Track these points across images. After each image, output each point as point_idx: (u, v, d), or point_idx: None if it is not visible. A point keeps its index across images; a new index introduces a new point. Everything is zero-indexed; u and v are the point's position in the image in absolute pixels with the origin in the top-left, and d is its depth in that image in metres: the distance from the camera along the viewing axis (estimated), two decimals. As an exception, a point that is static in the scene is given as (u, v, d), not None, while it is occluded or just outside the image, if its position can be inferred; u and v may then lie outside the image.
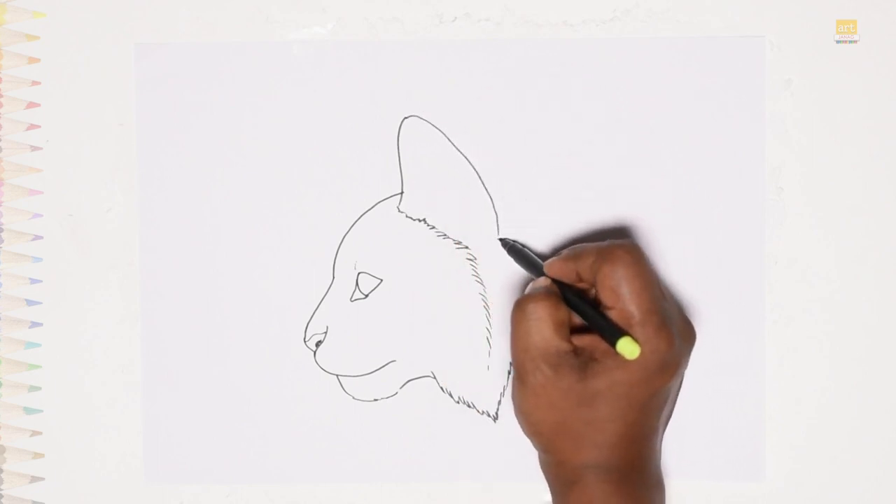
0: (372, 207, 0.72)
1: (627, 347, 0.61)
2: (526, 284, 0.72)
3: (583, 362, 0.63)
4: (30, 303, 0.73)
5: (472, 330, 0.72)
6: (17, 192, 0.72)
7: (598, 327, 0.63)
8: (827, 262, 0.72)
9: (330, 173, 0.72)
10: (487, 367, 0.72)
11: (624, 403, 0.63)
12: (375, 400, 0.73)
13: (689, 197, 0.72)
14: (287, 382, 0.73)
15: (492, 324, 0.72)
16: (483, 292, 0.72)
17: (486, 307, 0.72)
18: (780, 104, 0.72)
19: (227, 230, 0.72)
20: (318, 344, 0.72)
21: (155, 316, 0.72)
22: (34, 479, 0.73)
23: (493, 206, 0.72)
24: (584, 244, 0.66)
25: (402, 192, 0.72)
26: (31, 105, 0.72)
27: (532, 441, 0.66)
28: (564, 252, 0.67)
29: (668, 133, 0.72)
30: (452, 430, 0.73)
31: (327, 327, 0.72)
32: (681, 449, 0.71)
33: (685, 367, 0.66)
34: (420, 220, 0.72)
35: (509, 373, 0.73)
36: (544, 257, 0.69)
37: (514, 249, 0.71)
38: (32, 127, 0.72)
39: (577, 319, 0.66)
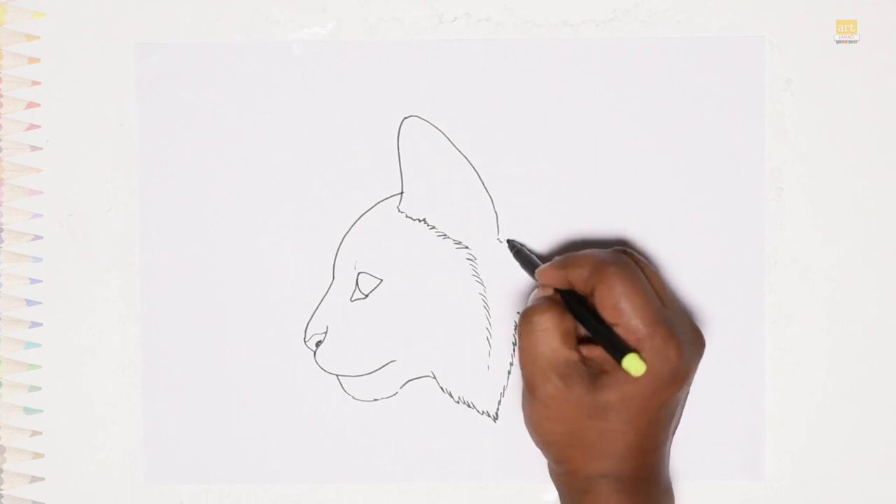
0: (372, 207, 0.72)
1: (633, 364, 0.61)
2: (527, 285, 0.72)
3: (593, 374, 0.63)
4: (30, 303, 0.73)
5: (472, 330, 0.72)
6: (17, 192, 0.72)
7: (603, 344, 0.63)
8: (827, 262, 0.72)
9: (330, 173, 0.72)
10: (487, 367, 0.73)
11: (636, 415, 0.63)
12: (375, 400, 0.73)
13: (689, 197, 0.72)
14: (287, 382, 0.73)
15: (492, 324, 0.72)
16: (483, 292, 0.72)
17: (486, 307, 0.72)
18: (780, 104, 0.72)
19: (227, 230, 0.72)
20: (318, 344, 0.72)
21: (155, 316, 0.72)
22: (34, 479, 0.73)
23: (493, 206, 0.72)
24: (576, 253, 0.66)
25: (402, 192, 0.72)
26: (31, 105, 0.72)
27: (543, 451, 0.66)
28: (556, 259, 0.66)
29: (668, 133, 0.72)
30: (452, 430, 0.73)
31: (327, 327, 0.72)
32: (680, 448, 0.71)
33: (694, 375, 0.65)
34: (420, 220, 0.72)
35: (509, 373, 0.73)
36: (546, 261, 0.69)
37: (521, 253, 0.70)
38: (32, 127, 0.72)
39: (584, 329, 0.65)
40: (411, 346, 0.72)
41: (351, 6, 0.72)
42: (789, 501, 0.73)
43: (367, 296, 0.72)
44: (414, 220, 0.72)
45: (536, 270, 0.67)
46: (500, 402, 0.73)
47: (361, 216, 0.72)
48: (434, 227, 0.72)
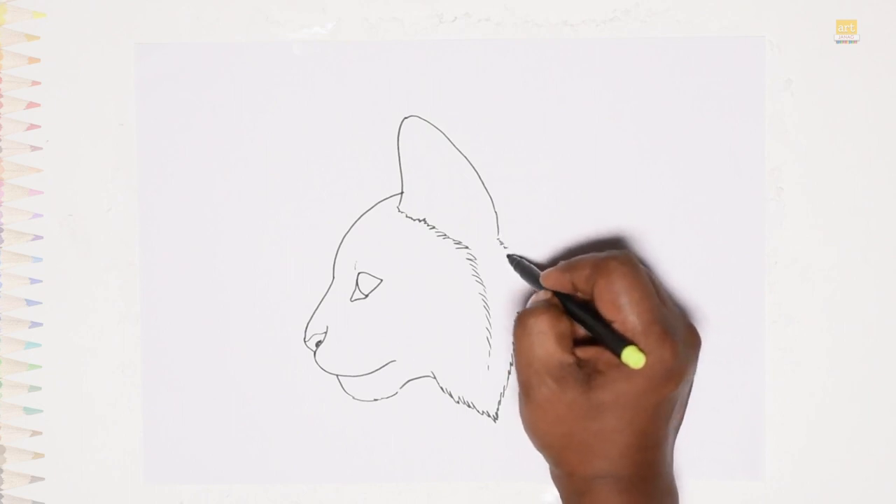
0: (372, 207, 0.72)
1: (632, 357, 0.61)
2: (527, 285, 0.72)
3: (587, 374, 0.63)
4: (30, 303, 0.73)
5: (472, 330, 0.72)
6: (17, 192, 0.72)
7: (601, 338, 0.63)
8: (827, 262, 0.72)
9: (330, 173, 0.72)
10: (487, 367, 0.73)
11: (631, 413, 0.63)
12: (375, 400, 0.73)
13: (689, 197, 0.72)
14: (287, 382, 0.73)
15: (492, 324, 0.72)
16: (483, 292, 0.72)
17: (486, 307, 0.72)
18: (780, 104, 0.72)
19: (227, 230, 0.72)
20: (318, 344, 0.72)
21: (155, 316, 0.72)
22: (34, 479, 0.73)
23: (493, 206, 0.72)
24: (580, 256, 0.66)
25: (402, 192, 0.72)
26: (31, 105, 0.72)
27: (542, 454, 0.66)
28: (560, 264, 0.67)
29: (668, 133, 0.72)
30: (452, 430, 0.73)
31: (327, 327, 0.72)
32: (681, 448, 0.71)
33: (693, 374, 0.65)
34: (420, 220, 0.72)
35: (509, 373, 0.73)
36: (544, 267, 0.69)
37: (521, 265, 0.71)
38: (32, 127, 0.72)
39: (580, 331, 0.66)
40: (411, 346, 0.72)
41: (351, 6, 0.72)
42: (789, 501, 0.73)
43: (367, 296, 0.72)
44: (414, 220, 0.72)
45: (541, 275, 0.67)
46: (500, 402, 0.73)
47: (361, 216, 0.72)
48: (434, 227, 0.72)
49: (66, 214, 0.72)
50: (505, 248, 0.72)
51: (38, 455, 0.73)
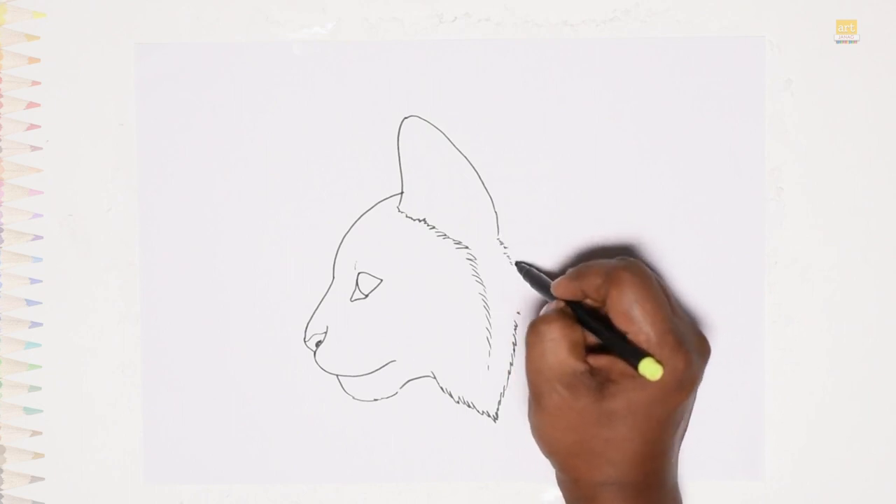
0: (372, 207, 0.72)
1: (650, 369, 0.61)
2: (526, 287, 0.72)
3: (599, 383, 0.63)
4: (30, 303, 0.73)
5: (472, 330, 0.72)
6: (17, 192, 0.72)
7: (617, 349, 0.63)
8: (827, 262, 0.72)
9: (330, 173, 0.72)
10: (487, 367, 0.72)
11: (642, 422, 0.63)
12: (375, 400, 0.73)
13: (689, 197, 0.72)
14: (287, 382, 0.73)
15: (492, 324, 0.72)
16: (483, 292, 0.72)
17: (486, 307, 0.72)
18: (780, 104, 0.72)
19: (227, 230, 0.72)
20: (318, 344, 0.72)
21: (155, 316, 0.72)
22: (34, 479, 0.73)
23: (493, 206, 0.72)
24: (589, 263, 0.66)
25: (402, 192, 0.72)
26: (31, 105, 0.72)
27: (549, 460, 0.66)
28: (570, 271, 0.66)
29: (668, 133, 0.72)
30: (452, 430, 0.73)
31: (327, 327, 0.72)
32: (681, 448, 0.71)
33: (700, 382, 0.65)
34: (420, 220, 0.72)
35: (509, 373, 0.73)
36: (554, 276, 0.69)
37: (530, 274, 0.70)
38: (32, 127, 0.72)
39: (593, 339, 0.65)
40: (411, 346, 0.72)
41: (351, 6, 0.72)
42: (789, 501, 0.73)
43: (367, 296, 0.72)
44: (414, 220, 0.72)
45: (552, 284, 0.67)
46: (500, 402, 0.73)
47: (361, 216, 0.72)
48: (434, 227, 0.72)
49: (66, 214, 0.72)
50: (505, 248, 0.72)
51: (38, 455, 0.73)
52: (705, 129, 0.72)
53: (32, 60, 0.72)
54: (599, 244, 0.72)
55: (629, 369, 0.62)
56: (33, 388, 0.73)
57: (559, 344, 0.64)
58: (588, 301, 0.66)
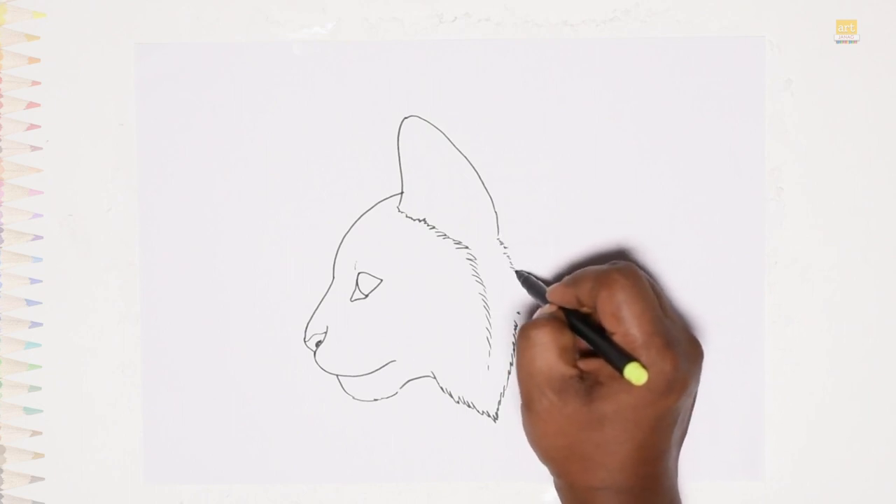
0: (372, 207, 0.72)
1: (634, 373, 0.61)
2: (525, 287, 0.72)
3: (588, 386, 0.63)
4: (30, 303, 0.73)
5: (472, 330, 0.72)
6: (17, 192, 0.72)
7: (604, 353, 0.63)
8: (827, 262, 0.72)
9: (330, 173, 0.72)
10: (487, 367, 0.73)
11: (632, 425, 0.63)
12: (375, 400, 0.73)
13: (689, 197, 0.72)
14: (287, 382, 0.73)
15: (492, 324, 0.72)
16: (483, 292, 0.72)
17: (486, 307, 0.72)
18: (780, 104, 0.72)
19: (227, 230, 0.72)
20: (318, 344, 0.72)
21: (155, 316, 0.72)
22: (34, 479, 0.73)
23: (493, 206, 0.72)
24: (584, 269, 0.66)
25: (402, 192, 0.72)
26: (31, 105, 0.72)
27: (546, 466, 0.66)
28: (565, 278, 0.67)
29: (668, 133, 0.72)
30: (452, 430, 0.73)
31: (327, 327, 0.72)
32: (681, 449, 0.71)
33: (696, 386, 0.65)
34: (420, 220, 0.72)
35: (509, 373, 0.73)
36: (552, 284, 0.69)
37: (529, 282, 0.71)
38: (32, 127, 0.72)
39: (584, 343, 0.65)
40: (411, 346, 0.72)
41: (351, 6, 0.72)
42: (789, 501, 0.73)
43: (367, 296, 0.72)
44: (414, 220, 0.72)
45: (547, 290, 0.67)
46: (500, 402, 0.73)
47: (361, 216, 0.72)
48: (434, 227, 0.72)
49: (66, 214, 0.72)
50: (505, 248, 0.72)
51: (38, 455, 0.73)
52: (705, 129, 0.72)
53: (32, 60, 0.72)
54: (599, 244, 0.72)
55: (617, 372, 0.62)
56: (33, 388, 0.73)
57: (549, 348, 0.64)
58: (584, 309, 0.66)
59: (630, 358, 0.62)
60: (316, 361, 0.73)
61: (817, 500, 0.73)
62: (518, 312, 0.72)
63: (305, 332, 0.72)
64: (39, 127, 0.72)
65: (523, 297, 0.72)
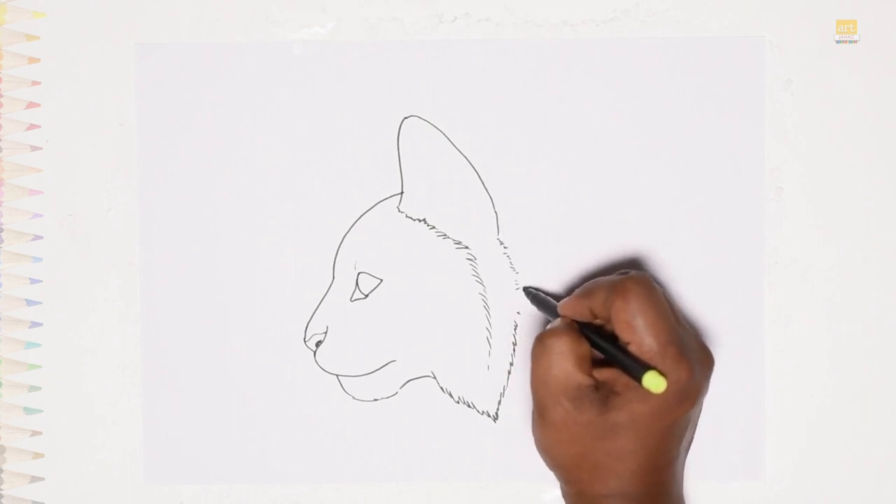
0: (372, 207, 0.72)
1: (653, 381, 0.61)
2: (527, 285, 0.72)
3: (603, 395, 0.63)
4: (30, 303, 0.73)
5: (472, 330, 0.72)
6: (17, 192, 0.72)
7: (620, 363, 0.63)
8: (827, 262, 0.72)
9: (330, 173, 0.72)
10: (487, 367, 0.72)
11: (644, 434, 0.63)
12: (375, 400, 0.73)
13: (689, 197, 0.72)
14: (287, 382, 0.73)
15: (492, 324, 0.72)
16: (483, 292, 0.72)
17: (486, 307, 0.72)
18: (780, 104, 0.72)
19: (227, 230, 0.72)
20: (318, 344, 0.72)
21: (155, 316, 0.72)
22: (34, 479, 0.73)
23: (493, 206, 0.72)
24: (596, 280, 0.66)
25: (402, 192, 0.72)
26: (31, 105, 0.72)
27: (553, 472, 0.66)
28: (576, 291, 0.66)
29: (668, 133, 0.72)
30: (452, 430, 0.73)
31: (327, 327, 0.72)
32: (687, 454, 0.71)
33: (705, 394, 0.65)
34: (420, 220, 0.72)
35: (509, 373, 0.73)
36: (560, 298, 0.69)
37: (537, 298, 0.70)
38: (32, 127, 0.72)
39: (597, 355, 0.65)
40: (411, 346, 0.72)
41: (351, 6, 0.72)
42: (790, 502, 0.73)
43: (367, 296, 0.72)
44: (414, 220, 0.72)
45: (559, 305, 0.67)
46: (500, 402, 0.73)
47: (361, 216, 0.72)
48: (434, 227, 0.72)
49: (66, 214, 0.72)
50: (505, 248, 0.72)
51: (38, 455, 0.73)
52: (705, 129, 0.72)
53: (32, 60, 0.72)
54: (599, 244, 0.72)
55: (633, 382, 0.62)
56: (33, 388, 0.73)
57: (566, 357, 0.64)
58: (597, 321, 0.66)
59: (648, 367, 0.62)
60: (316, 361, 0.73)
61: (818, 501, 0.73)
62: (518, 312, 0.72)
63: (305, 332, 0.72)
64: (39, 127, 0.72)
65: (523, 297, 0.72)
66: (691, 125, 0.72)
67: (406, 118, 0.72)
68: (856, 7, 0.72)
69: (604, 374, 0.64)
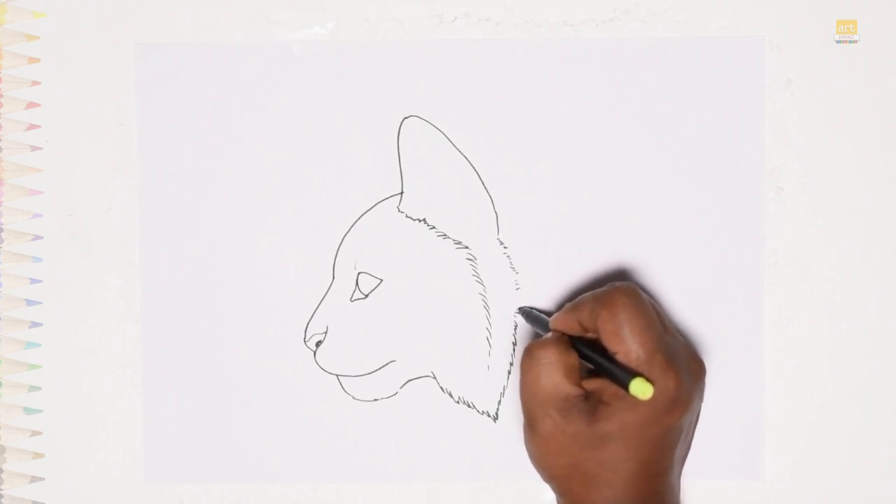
0: (372, 207, 0.72)
1: (640, 388, 0.61)
2: (527, 285, 0.72)
3: (592, 406, 0.63)
4: (30, 303, 0.73)
5: (472, 330, 0.72)
6: (17, 192, 0.72)
7: (607, 371, 0.63)
8: (827, 262, 0.72)
9: (330, 173, 0.72)
10: (487, 367, 0.72)
11: (636, 443, 0.63)
12: (375, 400, 0.73)
13: (689, 197, 0.72)
14: (287, 382, 0.73)
15: (492, 324, 0.72)
16: (483, 292, 0.72)
17: (486, 307, 0.72)
18: (780, 104, 0.72)
19: (227, 230, 0.72)
20: (318, 344, 0.72)
21: (155, 316, 0.72)
22: (34, 479, 0.73)
23: (493, 206, 0.72)
24: (584, 294, 0.66)
25: (402, 192, 0.72)
26: (31, 105, 0.72)
27: (549, 486, 0.66)
28: (566, 305, 0.67)
29: (668, 133, 0.72)
30: (452, 430, 0.73)
31: (327, 327, 0.72)
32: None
33: (699, 402, 0.65)
34: (420, 220, 0.72)
35: (509, 373, 0.73)
36: (550, 313, 0.69)
37: (531, 316, 0.70)
38: (32, 127, 0.72)
39: (586, 365, 0.65)
40: (411, 346, 0.72)
41: (351, 6, 0.72)
42: (790, 502, 0.73)
43: (367, 296, 0.72)
44: (414, 220, 0.72)
45: (549, 321, 0.67)
46: (500, 402, 0.73)
47: (361, 216, 0.72)
48: (434, 227, 0.72)
49: (66, 214, 0.72)
50: (505, 248, 0.72)
51: (38, 455, 0.73)
52: (705, 129, 0.72)
53: (32, 60, 0.72)
54: (599, 244, 0.72)
55: (621, 391, 0.62)
56: (33, 388, 0.73)
57: (554, 367, 0.64)
58: (588, 334, 0.66)
59: (634, 373, 0.62)
60: (316, 361, 0.73)
61: (818, 501, 0.73)
62: (518, 313, 0.72)
63: (305, 332, 0.72)
64: (39, 127, 0.72)
65: (523, 297, 0.72)
66: (691, 125, 0.72)
67: (406, 118, 0.72)
68: (856, 7, 0.72)
69: (593, 384, 0.64)
